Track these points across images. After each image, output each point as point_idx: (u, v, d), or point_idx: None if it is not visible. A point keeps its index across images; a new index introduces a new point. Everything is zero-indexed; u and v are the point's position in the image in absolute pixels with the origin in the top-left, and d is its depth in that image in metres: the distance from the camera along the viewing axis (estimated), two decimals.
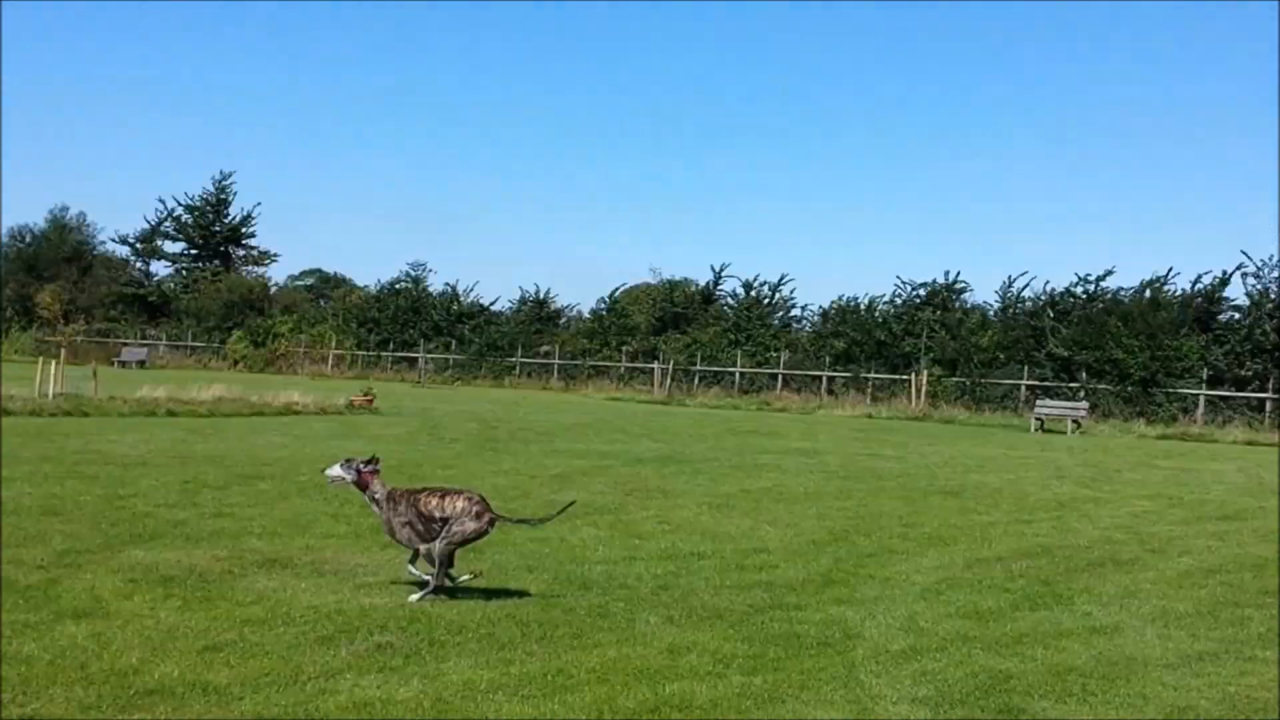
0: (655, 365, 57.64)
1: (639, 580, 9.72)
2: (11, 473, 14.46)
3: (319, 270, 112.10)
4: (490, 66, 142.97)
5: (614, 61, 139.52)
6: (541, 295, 71.54)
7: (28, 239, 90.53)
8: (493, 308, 72.34)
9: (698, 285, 67.71)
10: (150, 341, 73.38)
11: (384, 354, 67.99)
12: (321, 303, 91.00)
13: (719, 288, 67.03)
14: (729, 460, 21.37)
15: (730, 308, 64.98)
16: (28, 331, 74.97)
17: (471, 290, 73.43)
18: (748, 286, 64.55)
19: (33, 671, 6.28)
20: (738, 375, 57.22)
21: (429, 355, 66.22)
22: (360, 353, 68.43)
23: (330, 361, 66.86)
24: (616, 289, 70.18)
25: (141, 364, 64.02)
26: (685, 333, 62.81)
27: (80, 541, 10.11)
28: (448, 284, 74.65)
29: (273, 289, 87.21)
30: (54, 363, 29.90)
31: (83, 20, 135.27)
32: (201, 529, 11.08)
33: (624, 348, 62.48)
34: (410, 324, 70.36)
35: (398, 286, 75.03)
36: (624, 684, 6.66)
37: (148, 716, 5.71)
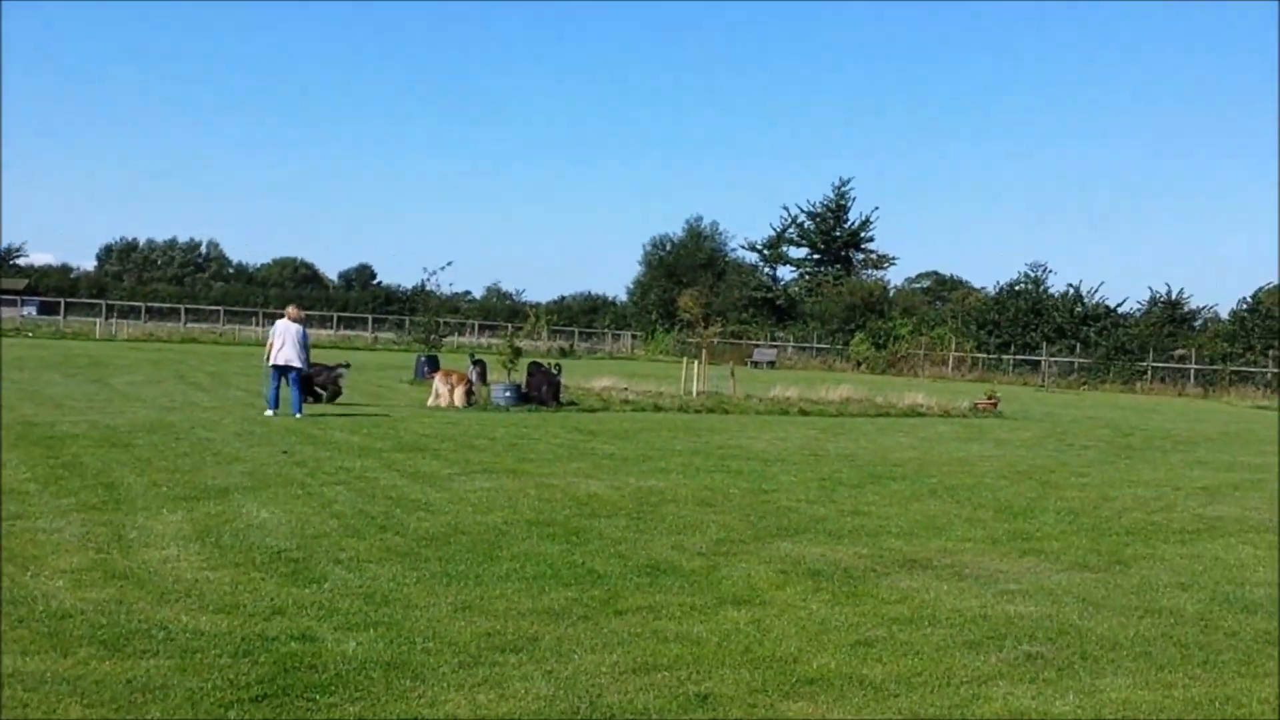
0: None
1: None
2: (668, 464, 15.71)
3: (935, 273, 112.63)
4: None
5: None
6: (1173, 296, 67.27)
7: (668, 247, 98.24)
8: (1120, 309, 69.02)
9: None
10: (779, 343, 77.01)
11: (1005, 357, 66.85)
12: (939, 305, 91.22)
13: None
14: None
15: None
16: (671, 333, 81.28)
17: (1096, 291, 70.58)
18: None
19: (703, 652, 6.72)
20: None
21: (1052, 358, 64.24)
22: (980, 355, 67.76)
23: (950, 364, 66.76)
24: (1259, 289, 64.57)
25: (771, 364, 67.38)
26: None
27: (733, 531, 10.75)
28: (1070, 285, 72.29)
29: (891, 292, 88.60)
30: (696, 363, 32.20)
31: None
32: (842, 526, 11.40)
33: (1270, 352, 57.15)
34: (1031, 326, 68.70)
35: (1017, 288, 73.56)
36: None
37: (810, 705, 5.91)
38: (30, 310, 79.31)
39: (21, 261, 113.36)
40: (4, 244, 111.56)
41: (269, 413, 20.12)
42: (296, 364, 20.78)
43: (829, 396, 31.05)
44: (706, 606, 7.82)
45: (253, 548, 8.96)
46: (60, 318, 70.71)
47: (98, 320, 66.13)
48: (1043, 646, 7.20)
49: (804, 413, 27.65)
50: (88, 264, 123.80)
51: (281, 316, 21.50)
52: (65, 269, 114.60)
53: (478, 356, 30.22)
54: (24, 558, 8.22)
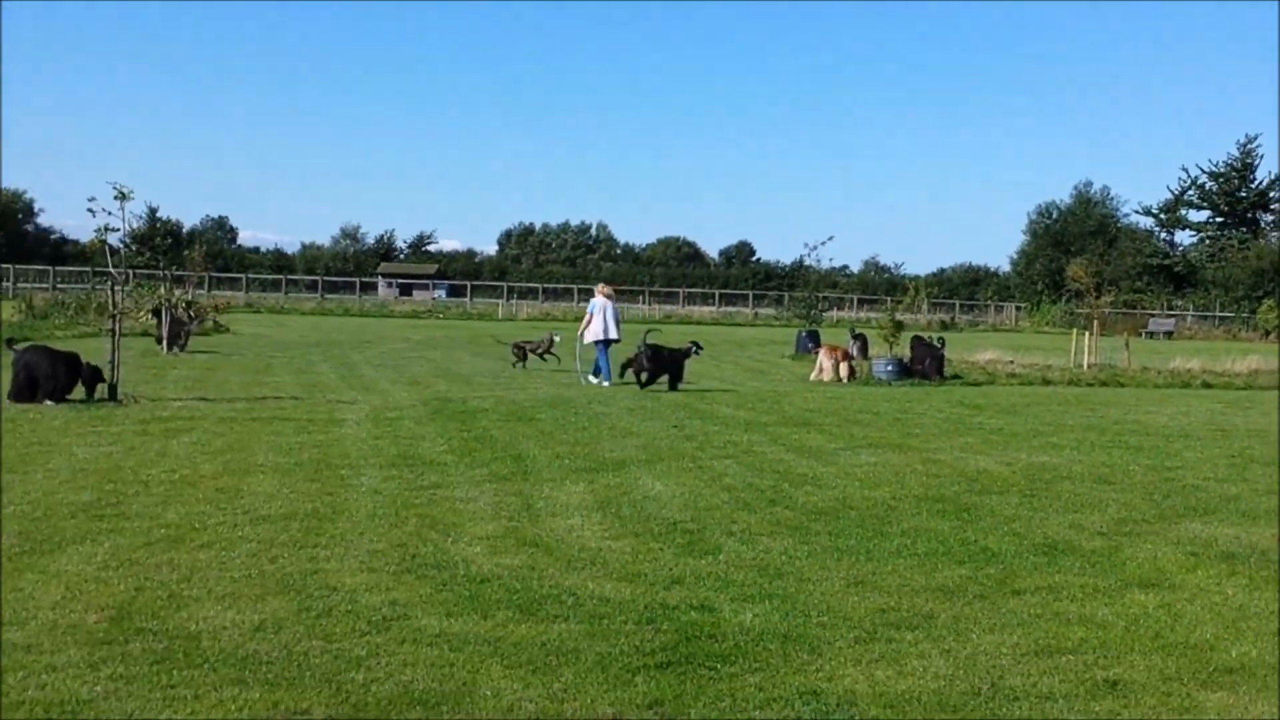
0: None
1: None
2: (1060, 439, 15.14)
3: None
4: None
5: None
6: None
7: (1055, 215, 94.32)
8: None
9: None
10: (1177, 312, 72.59)
11: None
12: None
13: None
14: None
15: None
16: (1057, 304, 78.10)
17: None
18: None
19: (1109, 636, 6.46)
20: None
21: None
22: None
23: None
24: None
25: (1169, 335, 63.66)
26: None
27: (1134, 511, 10.24)
28: None
29: None
30: (1087, 334, 30.83)
31: None
32: (1256, 505, 10.63)
33: None
34: None
35: None
36: None
37: (1230, 695, 5.58)
38: (440, 293, 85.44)
39: (432, 248, 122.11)
40: (379, 232, 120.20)
41: (600, 381, 21.73)
42: (615, 336, 22.53)
43: (1235, 368, 29.02)
44: (1110, 589, 7.50)
45: (650, 519, 9.32)
46: (467, 300, 75.81)
47: (500, 301, 70.46)
48: None
49: (1207, 385, 25.98)
50: (490, 248, 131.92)
51: (594, 293, 23.20)
52: (470, 254, 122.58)
53: (858, 331, 30.09)
54: (445, 524, 8.88)
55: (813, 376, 24.58)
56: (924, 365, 25.11)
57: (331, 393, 18.60)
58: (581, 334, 22.77)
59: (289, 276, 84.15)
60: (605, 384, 21.64)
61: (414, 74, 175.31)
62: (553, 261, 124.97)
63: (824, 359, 24.85)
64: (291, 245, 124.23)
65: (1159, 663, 6.02)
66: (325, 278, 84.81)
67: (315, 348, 30.68)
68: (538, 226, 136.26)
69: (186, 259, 42.51)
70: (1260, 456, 14.02)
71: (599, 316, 22.31)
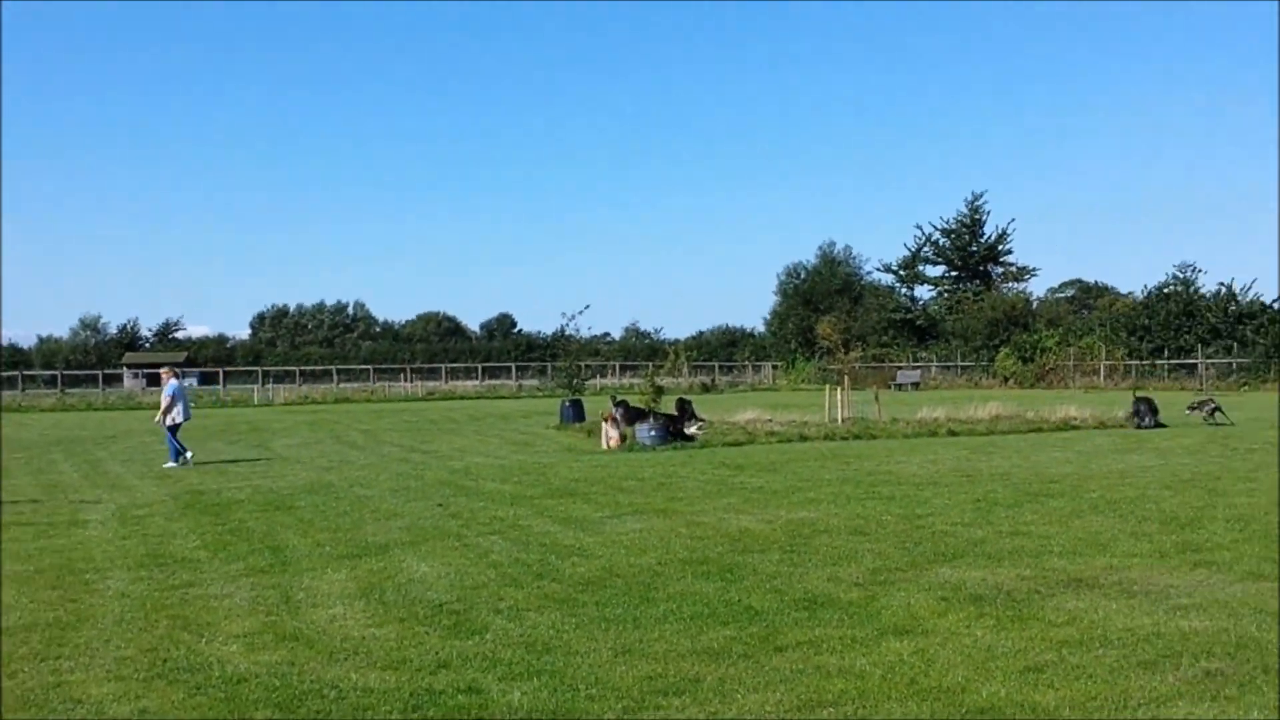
0: None
1: None
2: (817, 494, 15.59)
3: (1079, 280, 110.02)
4: None
5: None
6: None
7: (802, 275, 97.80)
8: (1276, 305, 66.53)
9: None
10: (922, 364, 75.98)
11: (1159, 362, 64.85)
12: (1085, 313, 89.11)
13: None
14: None
15: None
16: (811, 361, 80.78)
17: (1249, 288, 68.27)
18: None
19: (866, 686, 6.64)
20: None
21: (1209, 360, 62.15)
22: (1133, 362, 65.86)
23: (1102, 373, 65.02)
24: None
25: (916, 386, 66.53)
26: None
27: (889, 560, 10.61)
28: (1221, 283, 70.03)
29: (1035, 303, 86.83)
30: (839, 389, 31.93)
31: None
32: (1001, 547, 11.17)
33: None
34: (1184, 329, 66.63)
35: (1166, 290, 71.47)
36: None
37: None
38: (191, 381, 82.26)
39: (180, 335, 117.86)
40: (122, 321, 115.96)
41: (183, 461, 22.18)
42: (188, 417, 23.93)
43: (977, 415, 30.49)
44: (868, 638, 7.72)
45: (415, 602, 9.13)
46: (220, 386, 73.26)
47: (255, 387, 68.38)
48: (1221, 662, 6.95)
49: (953, 433, 27.21)
50: (242, 332, 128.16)
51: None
52: (221, 339, 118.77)
53: (620, 398, 30.39)
54: (198, 624, 8.50)
55: (604, 445, 24.75)
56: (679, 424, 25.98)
57: (74, 492, 17.66)
58: (163, 419, 22.92)
59: (25, 372, 79.70)
60: (188, 460, 22.28)
61: (148, 151, 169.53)
62: (309, 343, 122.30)
63: (608, 428, 25.11)
64: (27, 339, 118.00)
65: (914, 709, 6.21)
66: (65, 371, 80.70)
67: (56, 445, 29.10)
68: (292, 308, 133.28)
69: None
70: (1003, 499, 14.74)
71: (182, 400, 23.03)
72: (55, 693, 6.78)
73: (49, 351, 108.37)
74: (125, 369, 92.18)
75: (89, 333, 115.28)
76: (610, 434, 24.97)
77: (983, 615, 8.33)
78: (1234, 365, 61.52)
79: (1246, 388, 57.07)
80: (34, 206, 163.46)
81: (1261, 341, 61.43)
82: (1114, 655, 7.17)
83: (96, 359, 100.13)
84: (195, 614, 8.86)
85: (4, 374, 58.20)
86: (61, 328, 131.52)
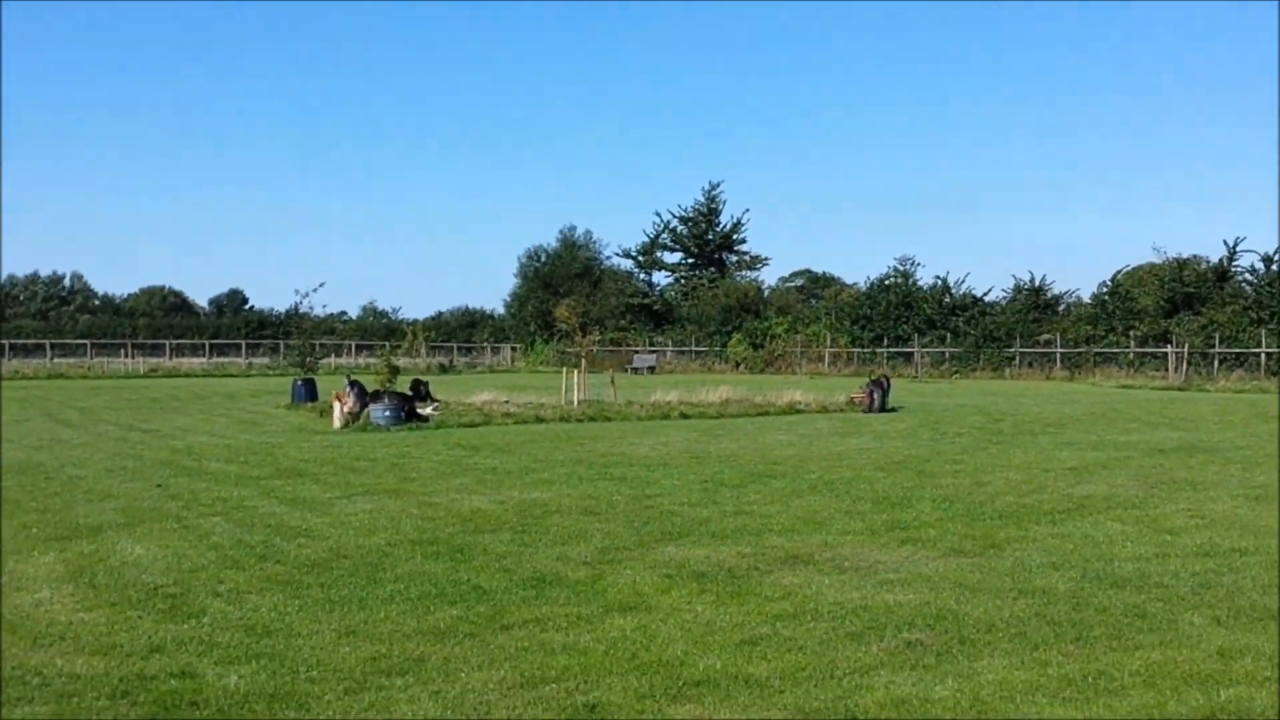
0: (1169, 349, 54.18)
1: (1175, 579, 9.11)
2: (551, 475, 15.73)
3: (808, 271, 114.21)
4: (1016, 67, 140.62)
5: None
6: (1037, 283, 69.30)
7: (543, 258, 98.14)
8: (986, 298, 70.88)
9: (1209, 262, 63.18)
10: (658, 349, 77.42)
11: (878, 350, 68.08)
12: (813, 302, 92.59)
13: (1234, 263, 62.24)
14: (1263, 448, 19.67)
15: (1250, 284, 60.12)
16: (549, 344, 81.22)
17: (963, 282, 72.48)
18: (1268, 260, 59.47)
19: (589, 661, 6.76)
20: (1263, 357, 52.74)
21: (924, 349, 65.68)
22: (855, 350, 68.93)
23: (826, 360, 67.81)
24: (1118, 271, 67.48)
25: (651, 369, 67.81)
26: (1200, 314, 58.60)
27: (617, 539, 10.81)
28: (938, 277, 74.09)
29: (766, 292, 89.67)
30: (575, 372, 32.25)
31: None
32: (725, 526, 11.53)
33: (1131, 332, 59.26)
34: (903, 319, 70.13)
35: (887, 282, 75.04)
36: (1173, 689, 6.27)
37: (697, 707, 5.99)
38: None
39: None
40: None
41: None
42: None
43: (709, 398, 31.29)
44: (593, 616, 7.86)
45: (128, 585, 8.77)
46: None
47: None
48: (921, 633, 7.38)
49: (685, 416, 27.85)
50: None
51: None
52: None
53: (354, 377, 29.85)
54: None
55: (335, 425, 24.29)
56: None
57: None
58: None
59: None
60: None
61: None
62: (21, 315, 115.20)
63: (338, 407, 24.71)
64: None
65: (634, 683, 6.36)
66: None
67: None
68: (3, 278, 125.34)
69: None
70: (729, 480, 15.20)
71: None
72: None
73: None
74: None
75: None
76: (339, 413, 24.56)
77: (704, 591, 8.59)
78: (947, 354, 65.18)
79: (957, 375, 60.64)
80: None
81: (972, 332, 65.24)
82: (824, 628, 7.52)
83: None
84: None
85: None
86: None
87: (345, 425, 24.14)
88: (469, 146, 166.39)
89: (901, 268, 75.95)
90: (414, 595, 8.44)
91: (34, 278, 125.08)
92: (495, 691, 6.19)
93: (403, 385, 28.05)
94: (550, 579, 9.02)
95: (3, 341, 74.45)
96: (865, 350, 68.64)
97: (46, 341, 77.82)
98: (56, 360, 70.71)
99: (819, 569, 9.44)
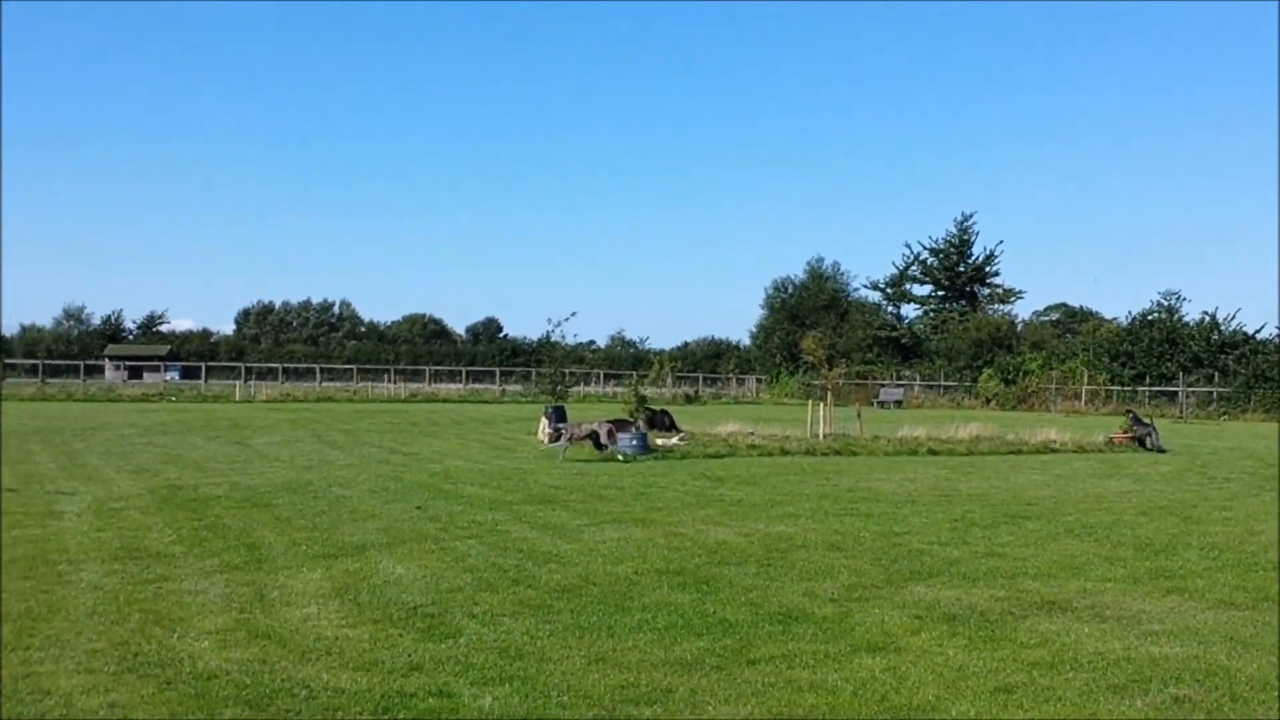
0: None
1: None
2: (796, 509, 15.63)
3: (1064, 305, 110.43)
4: None
5: None
6: None
7: (790, 289, 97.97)
8: (1259, 335, 66.94)
9: None
10: (905, 382, 76.16)
11: (1140, 388, 65.10)
12: (1069, 337, 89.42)
13: None
14: None
15: None
16: (795, 376, 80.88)
17: (1233, 318, 68.65)
18: None
19: (838, 701, 6.67)
20: None
21: (1190, 388, 62.44)
22: (1114, 387, 66.11)
23: (1083, 397, 65.26)
24: None
25: (898, 404, 66.69)
26: None
27: (864, 576, 10.64)
28: (1205, 313, 70.34)
29: (1019, 326, 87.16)
30: (821, 405, 32.00)
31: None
32: (976, 568, 11.21)
33: None
34: (1167, 356, 66.93)
35: (1150, 317, 71.83)
36: None
37: None
38: (173, 375, 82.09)
39: (164, 328, 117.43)
40: (106, 312, 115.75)
41: None
42: None
43: (958, 435, 30.56)
44: (840, 654, 7.75)
45: (389, 604, 9.13)
46: (202, 381, 73.12)
47: (237, 383, 68.17)
48: (1190, 689, 6.99)
49: (933, 452, 27.27)
50: (227, 328, 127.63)
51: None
52: (205, 334, 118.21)
53: (556, 405, 30.49)
54: (170, 619, 8.48)
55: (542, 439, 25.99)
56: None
57: (50, 483, 17.58)
58: None
59: (7, 361, 79.29)
60: None
61: (138, 145, 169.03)
62: (293, 340, 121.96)
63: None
64: (9, 328, 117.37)
65: None
66: (46, 361, 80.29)
67: (34, 435, 28.95)
68: (277, 305, 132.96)
69: None
70: (980, 520, 14.79)
71: None
72: (24, 683, 6.76)
73: (31, 340, 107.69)
74: (107, 360, 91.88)
75: (72, 323, 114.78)
76: (543, 430, 26.88)
77: (955, 634, 8.36)
78: (1215, 394, 61.80)
79: (1226, 417, 57.37)
80: (22, 195, 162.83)
81: (1242, 371, 61.73)
82: (1084, 678, 7.21)
83: (79, 349, 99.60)
84: (168, 609, 8.84)
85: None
86: (45, 317, 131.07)
87: (551, 441, 25.59)
88: (717, 178, 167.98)
89: (1165, 302, 72.71)
90: (661, 625, 8.50)
91: (305, 305, 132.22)
92: None
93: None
94: (797, 615, 8.94)
95: (277, 365, 78.99)
96: (1125, 389, 65.70)
97: (316, 366, 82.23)
98: (325, 384, 74.59)
99: (1078, 616, 9.07)
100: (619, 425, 26.05)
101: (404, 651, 7.64)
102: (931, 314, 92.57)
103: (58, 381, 70.42)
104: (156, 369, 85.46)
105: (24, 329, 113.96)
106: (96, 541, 11.95)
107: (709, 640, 8.05)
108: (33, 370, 76.20)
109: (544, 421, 26.60)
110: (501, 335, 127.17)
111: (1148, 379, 66.02)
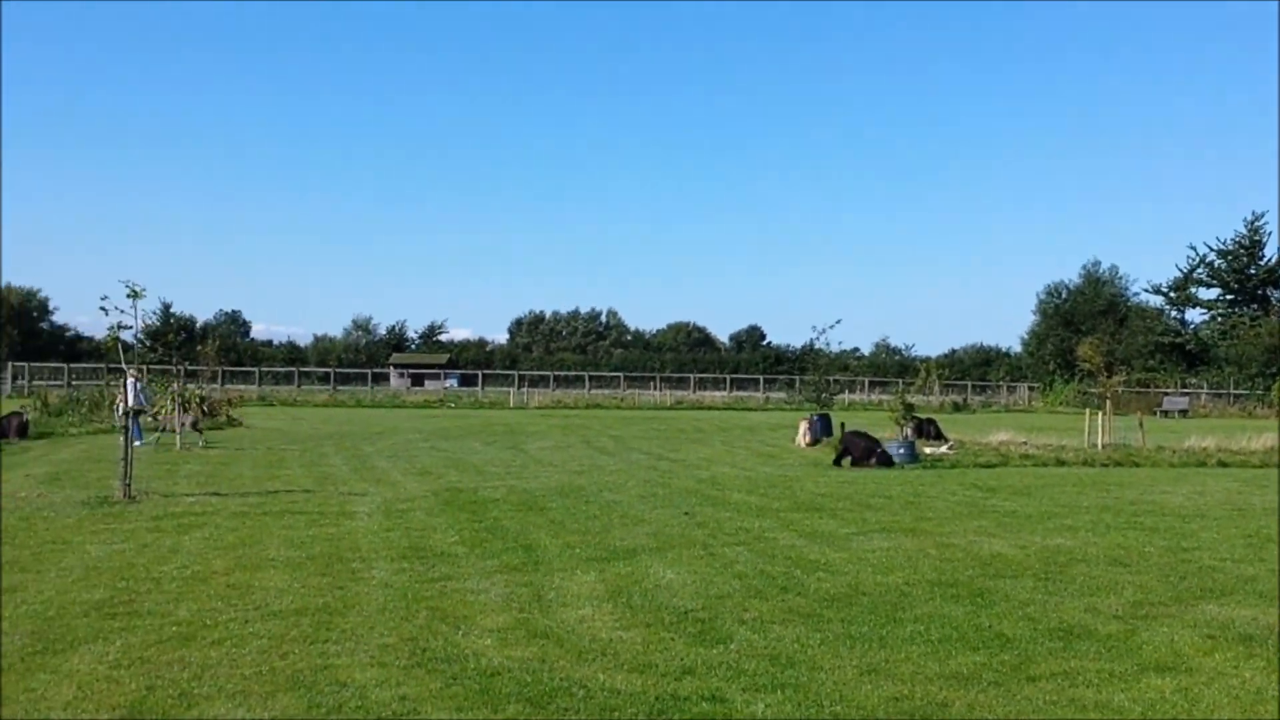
0: None
1: None
2: (1075, 521, 15.07)
3: None
4: None
5: None
6: None
7: (1064, 295, 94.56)
8: None
9: None
10: (1191, 390, 72.40)
11: None
12: None
13: None
14: None
15: None
16: (1070, 384, 77.95)
17: None
18: None
19: None
20: None
21: None
22: None
23: None
24: None
25: (1184, 413, 63.42)
26: None
27: (1151, 593, 10.17)
28: None
29: None
30: (1100, 414, 30.75)
31: None
32: (1274, 586, 10.55)
33: None
34: None
35: None
36: None
37: None
38: (452, 382, 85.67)
39: (443, 338, 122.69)
40: (391, 322, 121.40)
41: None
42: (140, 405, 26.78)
43: (1251, 446, 28.83)
44: (1127, 673, 7.43)
45: (661, 608, 9.27)
46: (479, 388, 76.04)
47: (511, 390, 70.63)
48: None
49: (1223, 464, 25.81)
50: (500, 337, 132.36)
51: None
52: (481, 343, 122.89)
53: (819, 413, 30.43)
54: (456, 617, 8.85)
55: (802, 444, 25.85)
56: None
57: (343, 485, 18.61)
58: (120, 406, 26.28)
59: (301, 369, 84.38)
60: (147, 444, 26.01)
61: (424, 166, 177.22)
62: (563, 349, 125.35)
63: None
64: (304, 338, 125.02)
65: None
66: (337, 369, 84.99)
67: (327, 440, 30.72)
68: (548, 314, 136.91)
69: (200, 354, 42.90)
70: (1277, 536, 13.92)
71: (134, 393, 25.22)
72: (323, 675, 7.17)
73: (323, 349, 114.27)
74: (392, 368, 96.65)
75: (360, 333, 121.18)
76: (802, 432, 26.74)
77: (1252, 656, 7.90)
78: None
79: None
80: (316, 218, 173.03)
81: None
82: None
83: (366, 358, 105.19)
84: (453, 607, 9.23)
85: (226, 369, 63.05)
86: (336, 328, 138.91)
87: (809, 446, 25.41)
88: (984, 180, 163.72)
89: None
90: (934, 638, 8.35)
91: (574, 314, 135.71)
92: None
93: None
94: (1078, 631, 8.62)
95: (548, 373, 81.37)
96: None
97: (585, 374, 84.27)
98: (593, 391, 76.38)
99: None
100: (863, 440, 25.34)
101: (676, 655, 7.75)
102: (1220, 319, 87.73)
103: (347, 388, 74.62)
104: (437, 376, 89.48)
105: (317, 339, 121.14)
106: (386, 541, 12.58)
107: (985, 655, 7.86)
108: (325, 378, 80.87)
109: (803, 426, 26.67)
110: (765, 343, 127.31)
111: None
